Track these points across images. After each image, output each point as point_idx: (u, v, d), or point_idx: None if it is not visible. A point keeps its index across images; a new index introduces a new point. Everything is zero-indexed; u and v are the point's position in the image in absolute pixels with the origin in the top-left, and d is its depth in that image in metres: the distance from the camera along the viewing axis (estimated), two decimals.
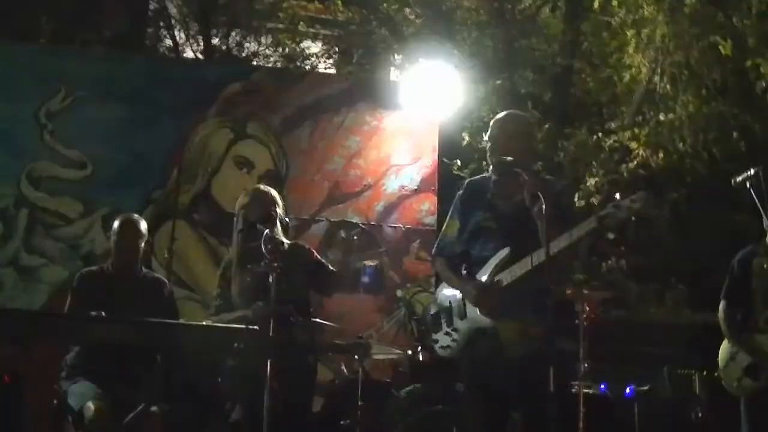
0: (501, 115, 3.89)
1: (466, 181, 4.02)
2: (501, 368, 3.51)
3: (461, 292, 3.73)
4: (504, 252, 3.55)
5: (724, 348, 4.70)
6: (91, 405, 4.11)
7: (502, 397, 3.57)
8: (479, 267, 3.67)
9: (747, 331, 4.59)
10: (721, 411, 6.01)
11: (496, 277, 3.56)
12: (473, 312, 3.63)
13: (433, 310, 3.92)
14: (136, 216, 4.88)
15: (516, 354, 3.49)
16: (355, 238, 7.05)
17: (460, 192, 3.93)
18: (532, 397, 3.37)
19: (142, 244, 4.78)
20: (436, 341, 3.86)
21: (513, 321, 3.54)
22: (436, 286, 4.40)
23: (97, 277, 4.73)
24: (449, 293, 3.85)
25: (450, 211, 3.98)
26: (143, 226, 4.78)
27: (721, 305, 4.80)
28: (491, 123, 3.85)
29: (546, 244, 3.29)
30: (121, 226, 4.73)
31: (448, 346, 3.79)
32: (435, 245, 4.01)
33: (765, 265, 4.58)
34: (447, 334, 3.80)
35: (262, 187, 4.73)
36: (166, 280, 4.96)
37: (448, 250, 3.90)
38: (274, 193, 4.60)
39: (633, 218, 3.27)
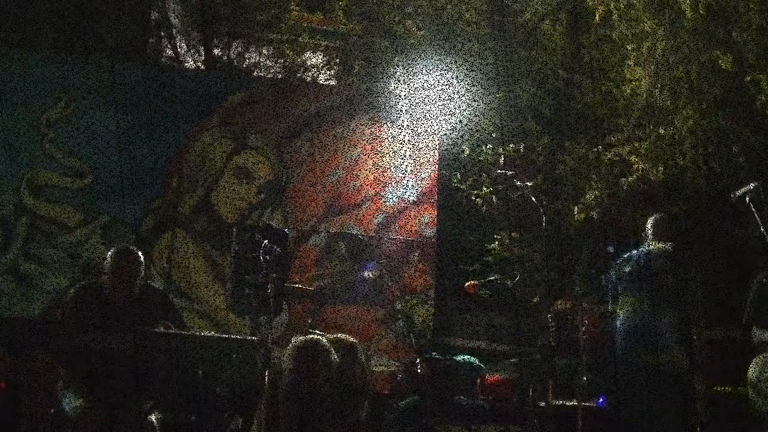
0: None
1: None
2: None
3: None
4: None
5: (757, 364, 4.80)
6: (81, 404, 4.09)
7: None
8: None
9: None
10: (721, 428, 5.99)
11: None
12: None
13: None
14: (133, 248, 4.59)
15: None
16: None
17: None
18: None
19: (141, 275, 4.50)
20: None
21: None
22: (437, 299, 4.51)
23: (93, 293, 4.49)
24: None
25: None
26: (140, 258, 4.52)
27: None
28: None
29: None
30: (118, 257, 4.45)
31: None
32: None
33: None
34: None
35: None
36: (161, 289, 4.79)
37: None
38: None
39: None
